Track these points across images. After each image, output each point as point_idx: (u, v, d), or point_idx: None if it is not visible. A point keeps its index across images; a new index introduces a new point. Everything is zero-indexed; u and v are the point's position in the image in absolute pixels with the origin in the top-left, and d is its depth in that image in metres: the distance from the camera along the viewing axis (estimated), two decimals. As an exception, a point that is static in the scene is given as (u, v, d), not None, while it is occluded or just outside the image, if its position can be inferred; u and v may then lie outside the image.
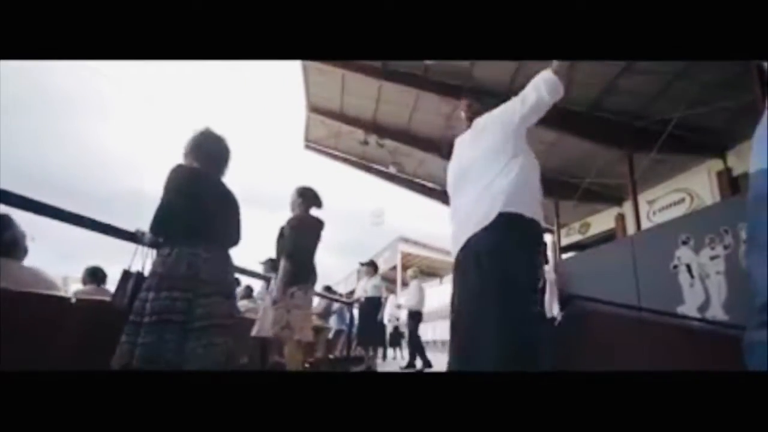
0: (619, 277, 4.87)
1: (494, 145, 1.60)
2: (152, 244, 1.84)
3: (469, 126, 1.78)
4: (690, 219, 5.11)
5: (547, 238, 8.59)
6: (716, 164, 6.61)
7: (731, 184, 6.34)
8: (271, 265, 3.66)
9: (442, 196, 9.24)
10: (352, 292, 7.67)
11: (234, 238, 2.01)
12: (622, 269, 4.90)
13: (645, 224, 6.97)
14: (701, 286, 4.08)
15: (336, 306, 6.28)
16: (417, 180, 10.11)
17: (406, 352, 7.93)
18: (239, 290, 4.66)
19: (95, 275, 3.19)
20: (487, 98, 1.86)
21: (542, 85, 1.56)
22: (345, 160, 10.18)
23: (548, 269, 5.00)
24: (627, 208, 8.09)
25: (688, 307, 4.15)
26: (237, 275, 2.83)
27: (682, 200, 7.29)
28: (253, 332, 2.81)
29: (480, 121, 1.71)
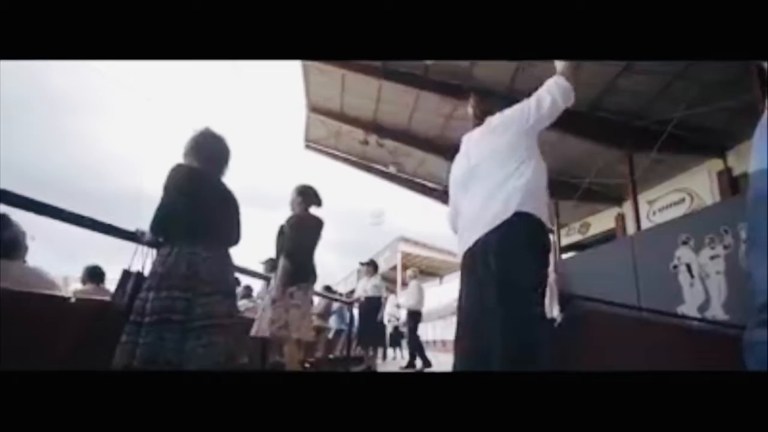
0: (619, 277, 4.88)
1: (507, 145, 1.60)
2: (152, 244, 1.84)
3: (477, 123, 1.78)
4: (690, 219, 5.12)
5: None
6: (716, 164, 6.60)
7: (731, 184, 6.34)
8: (272, 265, 3.66)
9: (442, 196, 9.24)
10: (352, 292, 7.66)
11: (234, 237, 2.01)
12: (622, 269, 4.91)
13: (645, 224, 6.96)
14: (701, 286, 4.08)
15: (336, 306, 6.28)
16: (417, 180, 10.09)
17: (406, 352, 7.93)
18: (239, 290, 4.66)
19: (94, 274, 3.19)
20: (493, 97, 1.86)
21: (556, 90, 1.59)
22: (345, 160, 10.16)
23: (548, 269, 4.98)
24: (627, 208, 8.09)
25: (688, 307, 4.15)
26: (237, 275, 2.82)
27: (682, 200, 7.29)
28: (252, 332, 2.80)
29: (493, 120, 1.70)
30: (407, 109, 7.48)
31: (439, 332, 15.09)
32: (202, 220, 1.82)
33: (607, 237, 8.70)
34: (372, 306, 5.69)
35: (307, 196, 2.92)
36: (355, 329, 6.00)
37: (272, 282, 2.82)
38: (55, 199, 1.68)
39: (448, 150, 7.73)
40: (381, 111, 7.87)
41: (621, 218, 8.53)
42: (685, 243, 4.27)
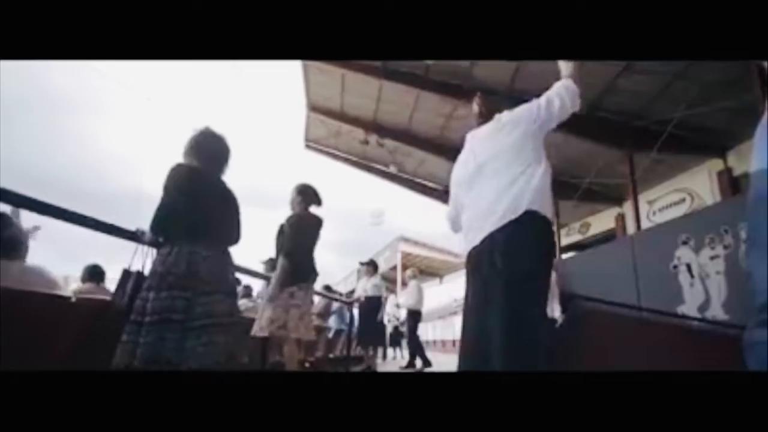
0: (619, 277, 4.88)
1: (516, 144, 1.60)
2: (152, 243, 1.84)
3: (482, 121, 1.77)
4: (690, 219, 5.12)
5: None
6: (716, 164, 6.60)
7: (732, 184, 6.34)
8: (273, 264, 3.66)
9: (442, 196, 9.24)
10: (352, 292, 7.66)
11: (234, 236, 2.01)
12: (622, 269, 4.91)
13: (645, 224, 6.97)
14: (701, 285, 4.08)
15: (336, 306, 6.28)
16: (417, 180, 10.10)
17: (406, 352, 7.93)
18: (239, 289, 4.66)
19: (94, 274, 3.19)
20: (499, 96, 1.88)
21: (565, 94, 1.61)
22: (345, 160, 10.17)
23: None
24: (627, 208, 8.09)
25: (688, 307, 4.15)
26: (238, 274, 2.83)
27: (683, 200, 7.29)
28: (252, 332, 2.80)
29: (503, 117, 1.69)
30: (407, 108, 7.48)
31: (439, 332, 15.09)
32: (202, 220, 1.82)
33: (607, 237, 8.70)
34: (372, 306, 5.69)
35: (307, 195, 2.92)
36: (355, 329, 6.00)
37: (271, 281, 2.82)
38: (56, 198, 1.68)
39: (449, 150, 7.74)
40: (381, 111, 7.87)
41: (621, 218, 8.53)
42: (685, 243, 4.27)
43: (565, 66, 1.68)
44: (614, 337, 2.61)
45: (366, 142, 8.50)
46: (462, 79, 6.19)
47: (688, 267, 4.21)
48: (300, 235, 2.81)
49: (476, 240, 1.57)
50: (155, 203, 1.78)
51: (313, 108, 8.55)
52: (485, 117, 1.77)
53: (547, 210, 1.54)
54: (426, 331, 13.62)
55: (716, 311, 3.90)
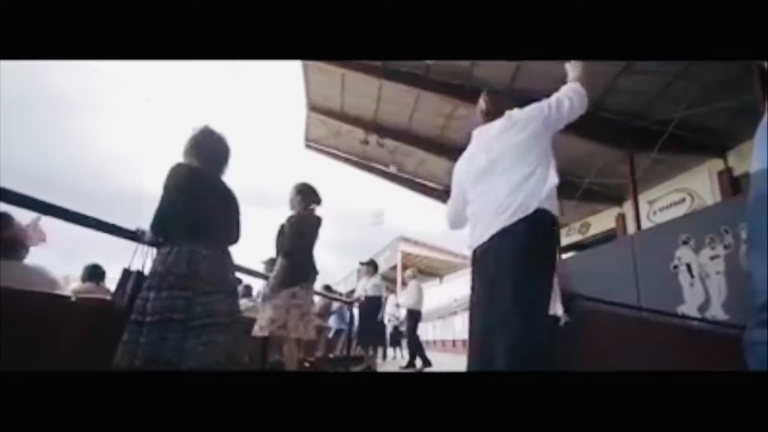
0: (619, 277, 4.87)
1: (528, 141, 1.61)
2: (152, 243, 1.84)
3: (488, 119, 1.78)
4: (690, 219, 5.12)
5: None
6: (717, 164, 6.60)
7: (732, 185, 6.34)
8: (273, 264, 3.66)
9: (443, 196, 9.23)
10: (352, 292, 7.66)
11: (234, 236, 2.01)
12: (622, 269, 4.90)
13: (645, 224, 6.96)
14: (701, 286, 4.08)
15: (336, 305, 6.28)
16: (417, 180, 10.09)
17: (406, 352, 7.93)
18: (239, 289, 4.66)
19: (94, 273, 3.19)
20: (505, 94, 1.90)
21: (574, 95, 1.65)
22: (345, 160, 10.17)
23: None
24: (627, 208, 8.09)
25: (689, 307, 4.15)
26: (238, 274, 2.83)
27: (683, 200, 7.28)
28: (253, 332, 2.80)
29: (514, 114, 1.70)
30: (408, 108, 7.47)
31: (439, 332, 15.08)
32: (202, 219, 1.82)
33: (608, 237, 8.69)
34: (372, 306, 5.69)
35: (307, 194, 2.92)
36: (355, 329, 6.00)
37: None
38: (56, 198, 1.68)
39: (449, 150, 7.74)
40: (381, 111, 7.87)
41: (621, 218, 8.53)
42: (685, 243, 4.27)
43: (571, 69, 1.72)
44: (614, 337, 2.62)
45: (366, 142, 8.50)
46: (462, 79, 6.19)
47: (689, 267, 4.21)
48: (300, 234, 2.81)
49: (484, 236, 1.57)
50: (155, 203, 1.78)
51: (313, 108, 8.54)
52: (492, 115, 1.77)
53: (555, 209, 1.56)
54: (426, 331, 13.61)
55: (716, 311, 3.90)
